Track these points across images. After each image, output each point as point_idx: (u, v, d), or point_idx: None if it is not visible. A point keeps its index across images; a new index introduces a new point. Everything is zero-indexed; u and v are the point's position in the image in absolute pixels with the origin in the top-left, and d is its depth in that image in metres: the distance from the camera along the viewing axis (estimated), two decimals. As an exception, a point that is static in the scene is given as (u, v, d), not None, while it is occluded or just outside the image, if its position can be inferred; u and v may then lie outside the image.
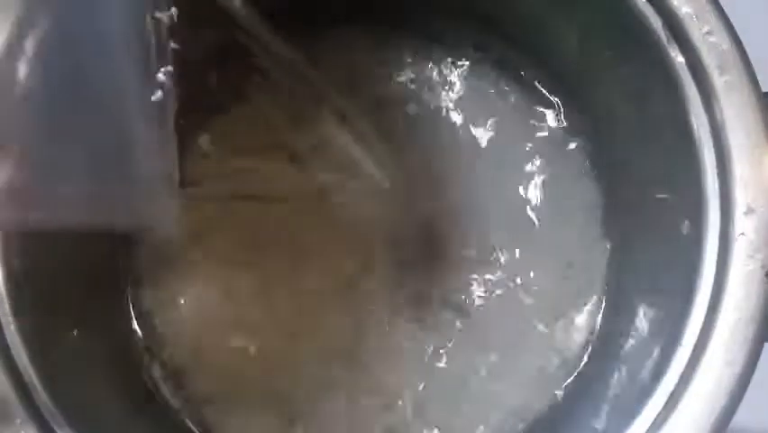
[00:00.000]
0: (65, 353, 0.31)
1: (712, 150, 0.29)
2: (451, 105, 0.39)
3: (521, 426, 0.36)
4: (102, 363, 0.35)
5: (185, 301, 0.37)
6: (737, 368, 0.27)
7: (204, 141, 0.38)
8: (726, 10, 0.30)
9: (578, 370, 0.36)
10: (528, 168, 0.38)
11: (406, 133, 0.39)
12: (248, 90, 0.38)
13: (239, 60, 0.36)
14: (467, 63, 0.39)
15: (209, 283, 0.37)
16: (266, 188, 0.38)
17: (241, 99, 0.39)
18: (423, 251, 0.38)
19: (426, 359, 0.37)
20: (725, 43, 0.29)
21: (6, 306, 0.29)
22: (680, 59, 0.30)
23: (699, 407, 0.27)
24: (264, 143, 0.38)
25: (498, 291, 0.37)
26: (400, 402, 0.36)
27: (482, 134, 0.39)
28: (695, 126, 0.29)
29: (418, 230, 0.38)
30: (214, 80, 0.38)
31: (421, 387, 0.36)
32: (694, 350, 0.28)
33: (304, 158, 0.38)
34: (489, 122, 0.39)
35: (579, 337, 0.37)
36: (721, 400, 0.27)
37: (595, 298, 0.37)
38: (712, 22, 0.29)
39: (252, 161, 0.38)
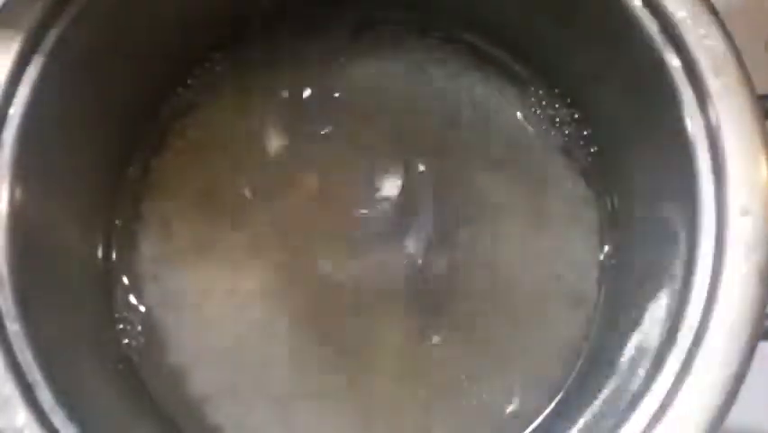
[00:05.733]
0: (66, 352, 0.32)
1: (707, 152, 0.29)
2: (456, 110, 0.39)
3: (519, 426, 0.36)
4: (102, 362, 0.35)
5: (185, 301, 0.37)
6: (732, 369, 0.27)
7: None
8: (721, 13, 0.30)
9: (576, 369, 0.36)
10: (518, 170, 0.38)
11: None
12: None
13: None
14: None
15: (210, 283, 0.37)
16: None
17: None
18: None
19: (426, 363, 0.37)
20: (720, 47, 0.29)
21: (11, 305, 0.29)
22: (675, 62, 0.30)
23: (695, 406, 0.27)
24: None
25: (489, 298, 0.37)
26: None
27: (479, 137, 0.39)
28: (690, 129, 0.30)
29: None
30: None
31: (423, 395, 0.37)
32: (689, 350, 0.28)
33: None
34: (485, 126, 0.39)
35: (574, 338, 0.37)
36: (716, 400, 0.27)
37: (590, 300, 0.37)
38: (707, 25, 0.30)
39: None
